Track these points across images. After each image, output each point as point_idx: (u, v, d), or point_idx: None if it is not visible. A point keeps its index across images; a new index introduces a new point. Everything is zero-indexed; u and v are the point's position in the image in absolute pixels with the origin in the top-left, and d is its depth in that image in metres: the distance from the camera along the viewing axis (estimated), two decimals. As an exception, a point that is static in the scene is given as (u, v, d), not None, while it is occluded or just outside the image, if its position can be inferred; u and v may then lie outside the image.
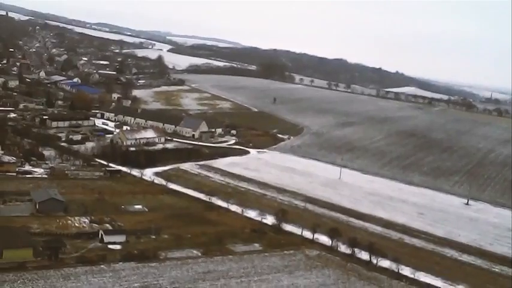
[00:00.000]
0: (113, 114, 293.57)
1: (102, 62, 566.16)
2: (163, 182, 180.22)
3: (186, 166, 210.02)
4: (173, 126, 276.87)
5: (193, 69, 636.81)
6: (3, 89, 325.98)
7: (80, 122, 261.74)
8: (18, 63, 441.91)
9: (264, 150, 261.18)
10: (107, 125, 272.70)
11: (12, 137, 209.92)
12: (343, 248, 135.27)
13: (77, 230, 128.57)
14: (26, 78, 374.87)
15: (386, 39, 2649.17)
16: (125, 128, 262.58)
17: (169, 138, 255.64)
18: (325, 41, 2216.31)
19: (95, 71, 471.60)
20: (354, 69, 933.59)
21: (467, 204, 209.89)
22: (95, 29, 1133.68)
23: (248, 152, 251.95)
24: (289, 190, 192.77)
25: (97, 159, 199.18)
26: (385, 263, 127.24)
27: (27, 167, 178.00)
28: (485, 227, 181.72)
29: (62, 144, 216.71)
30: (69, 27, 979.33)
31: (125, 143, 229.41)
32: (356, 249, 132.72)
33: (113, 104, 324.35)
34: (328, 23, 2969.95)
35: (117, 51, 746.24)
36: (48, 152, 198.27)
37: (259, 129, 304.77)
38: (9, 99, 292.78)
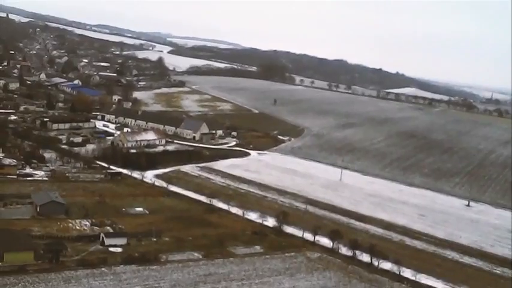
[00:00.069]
0: (113, 116, 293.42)
1: (102, 64, 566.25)
2: (164, 184, 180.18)
3: (187, 168, 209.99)
4: (174, 128, 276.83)
5: (194, 71, 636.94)
6: (4, 91, 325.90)
7: (80, 124, 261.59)
8: (18, 65, 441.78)
9: (265, 151, 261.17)
10: (107, 127, 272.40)
11: (12, 139, 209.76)
12: (344, 250, 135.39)
13: (77, 232, 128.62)
14: (27, 81, 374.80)
15: (387, 40, 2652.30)
16: (125, 130, 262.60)
17: (169, 140, 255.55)
18: (325, 41, 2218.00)
19: (95, 73, 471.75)
20: (354, 70, 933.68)
21: (468, 205, 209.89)
22: (95, 31, 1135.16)
23: (249, 154, 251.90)
24: (290, 192, 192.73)
25: (98, 162, 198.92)
26: (386, 265, 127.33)
27: (27, 170, 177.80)
28: (486, 228, 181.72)
29: (63, 146, 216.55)
30: (70, 29, 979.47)
31: (125, 145, 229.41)
32: (357, 252, 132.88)
33: (114, 106, 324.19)
34: (328, 23, 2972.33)
35: (117, 53, 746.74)
36: (48, 155, 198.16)
37: (259, 131, 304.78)
38: (9, 102, 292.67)
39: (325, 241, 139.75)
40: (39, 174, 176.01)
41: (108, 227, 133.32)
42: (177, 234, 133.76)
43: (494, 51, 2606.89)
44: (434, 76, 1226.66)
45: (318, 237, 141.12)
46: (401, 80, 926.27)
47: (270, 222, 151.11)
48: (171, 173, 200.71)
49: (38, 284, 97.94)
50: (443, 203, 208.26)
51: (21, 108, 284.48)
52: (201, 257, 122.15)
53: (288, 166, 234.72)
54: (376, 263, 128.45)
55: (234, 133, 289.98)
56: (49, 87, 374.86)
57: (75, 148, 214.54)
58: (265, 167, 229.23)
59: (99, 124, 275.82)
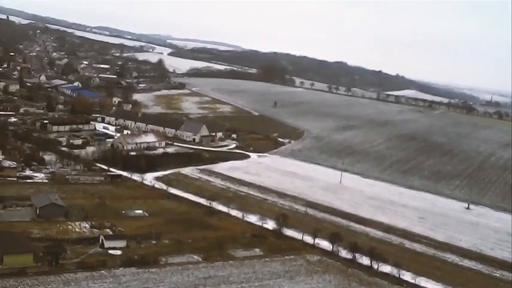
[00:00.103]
0: (113, 119, 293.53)
1: (102, 66, 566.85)
2: (164, 187, 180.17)
3: (187, 170, 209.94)
4: (174, 130, 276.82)
5: (194, 73, 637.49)
6: (4, 93, 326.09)
7: (80, 126, 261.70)
8: (18, 67, 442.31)
9: (265, 154, 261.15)
10: (107, 129, 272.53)
11: (12, 141, 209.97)
12: (344, 253, 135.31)
13: (77, 235, 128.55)
14: (27, 83, 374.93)
15: (387, 42, 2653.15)
16: (125, 132, 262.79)
17: (169, 142, 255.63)
18: (325, 43, 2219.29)
19: (95, 75, 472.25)
20: (354, 72, 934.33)
21: (467, 208, 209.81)
22: (95, 33, 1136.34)
23: (249, 156, 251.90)
24: (290, 194, 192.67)
25: (97, 164, 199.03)
26: (386, 268, 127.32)
27: (27, 172, 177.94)
28: (486, 231, 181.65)
29: (63, 148, 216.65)
30: (70, 30, 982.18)
31: (125, 148, 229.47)
32: (357, 254, 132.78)
33: (114, 108, 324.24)
34: (328, 25, 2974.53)
35: (117, 54, 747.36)
36: (48, 157, 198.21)
37: (259, 133, 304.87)
38: (9, 104, 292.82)
39: (325, 244, 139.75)
40: (39, 176, 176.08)
41: (108, 230, 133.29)
42: (176, 237, 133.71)
43: (494, 53, 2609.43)
44: (434, 78, 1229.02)
45: (317, 240, 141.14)
46: (401, 82, 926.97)
47: (270, 224, 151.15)
48: (171, 175, 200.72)
49: (38, 287, 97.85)
50: (443, 206, 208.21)
51: (21, 110, 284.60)
52: (200, 259, 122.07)
53: (288, 168, 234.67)
54: (375, 266, 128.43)
55: (234, 135, 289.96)
56: (49, 89, 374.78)
57: (75, 150, 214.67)
58: (265, 169, 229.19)
59: (99, 126, 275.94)
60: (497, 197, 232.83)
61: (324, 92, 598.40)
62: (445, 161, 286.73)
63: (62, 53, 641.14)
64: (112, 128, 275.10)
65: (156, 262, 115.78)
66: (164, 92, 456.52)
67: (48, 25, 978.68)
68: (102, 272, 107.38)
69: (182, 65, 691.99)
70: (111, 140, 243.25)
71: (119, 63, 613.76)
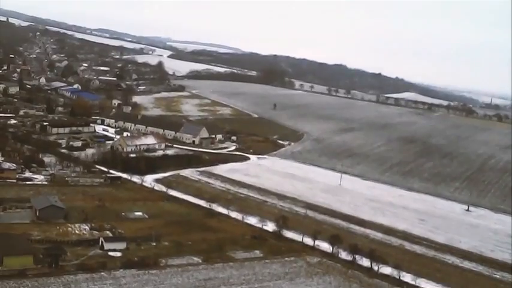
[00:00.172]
0: (113, 121, 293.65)
1: (102, 68, 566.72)
2: (164, 189, 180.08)
3: (187, 172, 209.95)
4: (173, 132, 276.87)
5: (194, 75, 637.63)
6: (4, 95, 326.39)
7: (80, 128, 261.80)
8: (18, 70, 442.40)
9: (264, 156, 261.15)
10: (107, 131, 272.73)
11: (12, 143, 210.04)
12: (344, 255, 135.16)
13: (77, 237, 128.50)
14: (27, 85, 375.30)
15: (386, 44, 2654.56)
16: (125, 134, 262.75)
17: (169, 144, 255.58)
18: (325, 46, 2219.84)
19: (95, 77, 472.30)
20: (354, 74, 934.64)
21: (467, 210, 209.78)
22: (95, 35, 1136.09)
23: (248, 158, 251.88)
24: (290, 196, 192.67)
25: (97, 166, 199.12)
26: (386, 270, 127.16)
27: (27, 174, 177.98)
28: (486, 233, 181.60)
29: (62, 150, 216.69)
30: (70, 33, 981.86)
31: (125, 150, 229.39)
32: (357, 256, 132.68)
33: (113, 110, 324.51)
34: (328, 28, 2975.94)
35: (117, 57, 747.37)
36: (48, 159, 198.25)
37: (259, 135, 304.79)
38: (9, 106, 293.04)
39: (325, 246, 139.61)
40: (39, 178, 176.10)
41: (108, 232, 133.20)
42: (176, 239, 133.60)
43: (494, 56, 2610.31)
44: (433, 81, 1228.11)
45: (317, 242, 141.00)
46: (400, 85, 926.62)
47: (270, 226, 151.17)
48: (170, 177, 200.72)
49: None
50: (443, 208, 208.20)
51: (21, 112, 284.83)
52: (200, 261, 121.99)
53: (287, 171, 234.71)
54: (376, 268, 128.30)
55: (234, 137, 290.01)
56: (49, 92, 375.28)
57: (75, 152, 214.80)
58: (265, 171, 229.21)
59: (99, 128, 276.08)
60: (497, 199, 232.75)
61: (323, 95, 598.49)
62: (445, 163, 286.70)
63: (62, 55, 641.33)
64: (112, 130, 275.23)
65: (156, 264, 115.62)
66: (164, 94, 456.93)
67: (48, 27, 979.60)
68: (102, 273, 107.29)
69: (182, 67, 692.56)
70: (110, 142, 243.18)
71: (119, 65, 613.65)
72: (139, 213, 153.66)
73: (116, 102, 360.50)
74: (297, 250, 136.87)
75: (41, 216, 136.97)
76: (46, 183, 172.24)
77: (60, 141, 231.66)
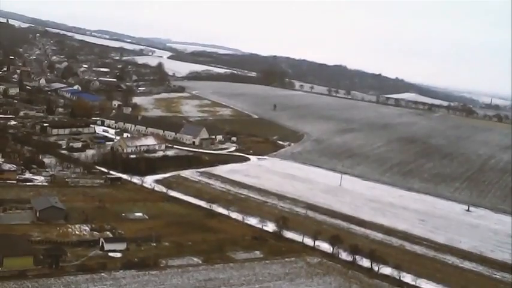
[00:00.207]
0: (113, 122, 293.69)
1: (102, 69, 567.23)
2: (164, 190, 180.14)
3: (187, 173, 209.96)
4: (173, 133, 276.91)
5: (194, 76, 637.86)
6: (4, 97, 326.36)
7: (80, 129, 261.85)
8: (18, 71, 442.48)
9: (265, 157, 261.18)
10: (107, 132, 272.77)
11: (12, 144, 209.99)
12: (344, 255, 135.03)
13: (77, 238, 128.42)
14: (27, 86, 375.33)
15: (386, 45, 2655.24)
16: (125, 135, 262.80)
17: (169, 145, 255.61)
18: (325, 47, 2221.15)
19: (95, 78, 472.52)
20: (354, 75, 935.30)
21: (468, 210, 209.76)
22: (95, 36, 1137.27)
23: (248, 159, 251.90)
24: (290, 197, 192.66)
25: (97, 167, 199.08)
26: (386, 270, 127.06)
27: (27, 175, 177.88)
28: (486, 233, 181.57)
29: (63, 151, 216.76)
30: (70, 34, 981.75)
31: (125, 150, 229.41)
32: (357, 257, 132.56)
33: (113, 111, 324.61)
34: (328, 29, 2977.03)
35: (117, 58, 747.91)
36: (48, 160, 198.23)
37: (259, 136, 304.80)
38: (9, 107, 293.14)
39: (325, 246, 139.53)
40: (39, 179, 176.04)
41: (108, 232, 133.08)
42: (176, 239, 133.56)
43: (494, 56, 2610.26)
44: (433, 81, 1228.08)
45: (318, 242, 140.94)
46: (400, 86, 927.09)
47: (270, 227, 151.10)
48: (170, 178, 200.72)
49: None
50: (443, 208, 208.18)
51: (21, 113, 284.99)
52: (200, 262, 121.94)
53: (287, 171, 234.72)
54: (376, 268, 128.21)
55: (234, 138, 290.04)
56: (49, 93, 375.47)
57: (75, 153, 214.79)
58: (265, 172, 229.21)
59: (99, 129, 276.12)
60: (497, 199, 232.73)
61: (323, 95, 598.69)
62: (445, 164, 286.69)
63: (62, 57, 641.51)
64: (112, 131, 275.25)
65: (156, 264, 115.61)
66: (164, 95, 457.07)
67: (48, 28, 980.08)
68: (102, 274, 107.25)
69: (182, 68, 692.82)
70: (111, 143, 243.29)
71: (119, 66, 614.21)
72: (140, 214, 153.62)
73: (116, 103, 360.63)
74: (297, 251, 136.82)
75: (41, 217, 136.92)
76: (46, 184, 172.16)
77: (60, 142, 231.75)
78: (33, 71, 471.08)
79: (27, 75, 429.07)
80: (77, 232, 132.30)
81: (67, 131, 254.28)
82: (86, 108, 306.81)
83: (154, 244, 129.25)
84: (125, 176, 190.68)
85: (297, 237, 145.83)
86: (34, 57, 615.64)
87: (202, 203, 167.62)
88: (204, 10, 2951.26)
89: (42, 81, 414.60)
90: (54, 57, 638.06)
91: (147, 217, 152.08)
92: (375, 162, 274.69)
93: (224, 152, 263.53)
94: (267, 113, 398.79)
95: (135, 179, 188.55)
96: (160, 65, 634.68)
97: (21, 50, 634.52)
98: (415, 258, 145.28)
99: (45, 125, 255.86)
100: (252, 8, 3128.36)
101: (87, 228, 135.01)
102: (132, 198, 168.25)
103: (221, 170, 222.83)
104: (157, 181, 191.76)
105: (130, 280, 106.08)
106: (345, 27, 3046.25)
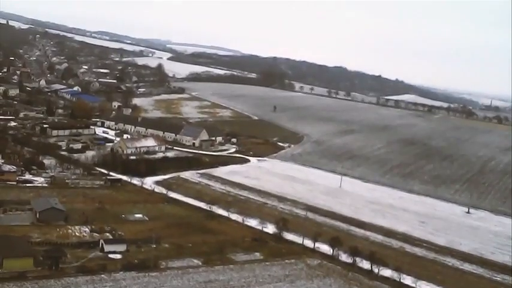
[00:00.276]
0: (113, 123, 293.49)
1: (102, 71, 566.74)
2: (164, 191, 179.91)
3: (187, 175, 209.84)
4: (173, 134, 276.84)
5: (194, 77, 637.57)
6: (4, 98, 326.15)
7: (80, 130, 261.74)
8: (18, 72, 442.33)
9: (265, 158, 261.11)
10: (107, 133, 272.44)
11: (12, 145, 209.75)
12: (344, 257, 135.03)
13: (77, 239, 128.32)
14: (27, 87, 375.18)
15: (386, 46, 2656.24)
16: (125, 136, 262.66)
17: (169, 146, 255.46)
18: (325, 48, 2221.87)
19: (95, 80, 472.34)
20: (354, 76, 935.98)
21: (468, 212, 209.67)
22: (95, 37, 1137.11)
23: (248, 161, 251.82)
24: (290, 199, 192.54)
25: (97, 168, 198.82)
26: (386, 272, 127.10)
27: (27, 176, 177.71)
28: (487, 235, 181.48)
29: (63, 153, 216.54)
30: (70, 35, 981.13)
31: (125, 152, 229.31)
32: (357, 258, 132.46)
33: (113, 112, 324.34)
34: (328, 30, 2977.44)
35: (117, 59, 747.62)
36: (48, 161, 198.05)
37: (259, 138, 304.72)
38: (9, 108, 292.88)
39: (325, 248, 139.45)
40: (39, 180, 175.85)
41: (108, 234, 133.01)
42: (176, 241, 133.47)
43: (494, 57, 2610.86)
44: (433, 83, 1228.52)
45: (318, 244, 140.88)
46: (400, 87, 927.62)
47: (270, 229, 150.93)
48: (170, 179, 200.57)
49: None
50: (443, 210, 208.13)
51: (21, 114, 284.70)
52: (200, 263, 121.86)
53: (287, 173, 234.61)
54: (376, 270, 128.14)
55: (234, 140, 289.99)
56: (49, 94, 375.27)
57: (75, 154, 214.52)
58: (265, 173, 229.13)
59: (99, 131, 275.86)
60: (498, 201, 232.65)
61: (323, 97, 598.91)
62: (445, 166, 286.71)
63: (62, 58, 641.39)
64: (112, 133, 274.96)
65: (156, 266, 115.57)
66: (164, 96, 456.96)
67: (47, 30, 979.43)
68: (102, 276, 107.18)
69: (182, 69, 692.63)
70: (110, 144, 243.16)
71: (119, 67, 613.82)
72: (140, 216, 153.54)
73: (116, 104, 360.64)
74: (297, 252, 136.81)
75: (41, 219, 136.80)
76: (46, 185, 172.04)
77: (60, 143, 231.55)
78: (33, 72, 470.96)
79: (27, 77, 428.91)
80: (76, 233, 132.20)
81: (67, 132, 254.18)
82: (85, 110, 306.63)
83: (154, 246, 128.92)
84: (124, 178, 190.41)
85: (297, 239, 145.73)
86: (34, 58, 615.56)
87: (202, 205, 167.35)
88: (204, 11, 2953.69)
89: (42, 82, 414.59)
90: (54, 58, 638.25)
91: (147, 218, 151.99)
92: (375, 163, 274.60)
93: (224, 153, 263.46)
94: (267, 115, 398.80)
95: (135, 181, 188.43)
96: (160, 66, 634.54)
97: (21, 51, 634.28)
98: (415, 260, 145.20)
99: (45, 126, 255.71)
100: (251, 9, 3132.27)
101: (87, 229, 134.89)
102: (132, 200, 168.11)
103: (221, 171, 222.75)
104: (157, 182, 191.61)
105: (131, 282, 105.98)
106: (344, 29, 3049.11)
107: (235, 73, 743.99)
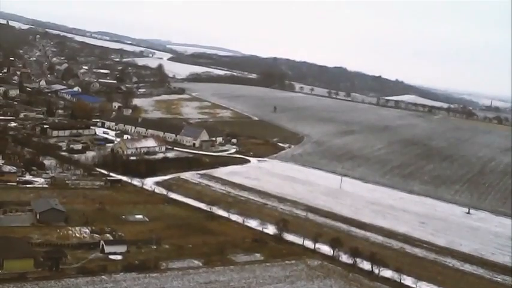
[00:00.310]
0: (113, 123, 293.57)
1: (102, 71, 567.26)
2: (164, 192, 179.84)
3: (187, 175, 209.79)
4: (174, 135, 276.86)
5: (194, 78, 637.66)
6: (4, 98, 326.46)
7: (80, 131, 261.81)
8: (18, 72, 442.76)
9: (265, 159, 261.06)
10: (107, 134, 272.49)
11: (12, 146, 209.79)
12: (344, 258, 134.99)
13: (77, 240, 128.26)
14: (27, 87, 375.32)
15: (386, 47, 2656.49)
16: (125, 137, 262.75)
17: (169, 147, 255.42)
18: (325, 49, 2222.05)
19: (95, 80, 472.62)
20: (354, 77, 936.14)
21: (468, 213, 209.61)
22: (95, 38, 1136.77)
23: (249, 161, 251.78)
24: (290, 199, 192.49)
25: (98, 169, 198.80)
26: (387, 273, 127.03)
27: (27, 177, 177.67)
28: (487, 236, 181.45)
29: (63, 153, 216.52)
30: (70, 35, 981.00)
31: (125, 152, 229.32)
32: (358, 259, 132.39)
33: (114, 113, 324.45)
34: (328, 31, 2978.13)
35: (117, 59, 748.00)
36: (48, 162, 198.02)
37: (259, 138, 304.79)
38: (9, 109, 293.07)
39: (325, 249, 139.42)
40: (39, 181, 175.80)
41: (108, 235, 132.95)
42: (177, 242, 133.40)
43: (494, 58, 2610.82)
44: (433, 83, 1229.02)
45: (318, 245, 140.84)
46: (400, 88, 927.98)
47: (270, 229, 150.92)
48: (171, 180, 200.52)
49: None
50: (443, 211, 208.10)
51: (21, 115, 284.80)
52: (201, 264, 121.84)
53: (288, 173, 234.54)
54: (376, 271, 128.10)
55: (234, 140, 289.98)
56: (49, 94, 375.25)
57: (75, 155, 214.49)
58: (265, 174, 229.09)
59: (99, 131, 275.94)
60: (498, 202, 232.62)
61: (323, 97, 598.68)
62: (445, 166, 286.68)
63: (62, 58, 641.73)
64: (112, 133, 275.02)
65: (157, 267, 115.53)
66: (164, 97, 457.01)
67: (48, 30, 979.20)
68: (103, 277, 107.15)
69: (182, 70, 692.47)
70: (111, 144, 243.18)
71: (119, 68, 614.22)
72: (140, 216, 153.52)
73: (116, 105, 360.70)
74: (297, 253, 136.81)
75: (42, 219, 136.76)
76: (46, 186, 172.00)
77: (60, 144, 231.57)
78: (33, 73, 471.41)
79: (27, 77, 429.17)
80: (77, 234, 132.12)
81: (67, 132, 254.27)
82: (86, 110, 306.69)
83: (155, 246, 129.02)
84: (125, 178, 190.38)
85: (298, 239, 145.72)
86: (34, 58, 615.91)
87: (203, 205, 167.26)
88: (204, 12, 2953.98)
89: (43, 82, 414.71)
90: (55, 58, 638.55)
91: (147, 219, 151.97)
92: (375, 164, 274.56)
93: (224, 154, 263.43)
94: (267, 115, 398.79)
95: (135, 181, 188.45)
96: (160, 67, 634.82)
97: (21, 51, 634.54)
98: (416, 261, 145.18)
99: (45, 126, 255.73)
100: (251, 9, 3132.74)
101: (87, 230, 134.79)
102: (132, 201, 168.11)
103: (221, 172, 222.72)
104: (157, 183, 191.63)
105: (131, 283, 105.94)
106: (344, 29, 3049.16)
107: (235, 73, 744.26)
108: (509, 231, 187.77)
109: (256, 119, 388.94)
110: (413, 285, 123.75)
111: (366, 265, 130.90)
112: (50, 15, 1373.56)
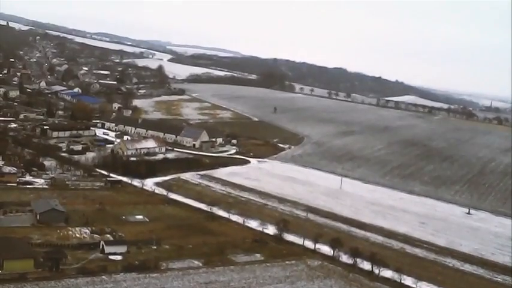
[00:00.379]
0: (113, 124, 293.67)
1: (102, 72, 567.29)
2: (164, 192, 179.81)
3: (187, 176, 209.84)
4: (174, 136, 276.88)
5: (194, 79, 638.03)
6: (4, 99, 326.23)
7: (80, 132, 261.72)
8: (18, 73, 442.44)
9: (265, 159, 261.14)
10: (107, 135, 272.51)
11: (12, 147, 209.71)
12: (344, 258, 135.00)
13: (77, 240, 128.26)
14: (27, 88, 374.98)
15: (386, 48, 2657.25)
16: (125, 138, 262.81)
17: (169, 148, 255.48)
18: (325, 49, 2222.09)
19: (95, 81, 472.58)
20: (354, 78, 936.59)
21: (468, 213, 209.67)
22: (95, 39, 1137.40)
23: (249, 162, 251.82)
24: (290, 200, 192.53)
25: (98, 170, 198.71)
26: (387, 273, 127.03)
27: (27, 178, 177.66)
28: (487, 236, 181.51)
29: (63, 154, 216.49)
30: (70, 37, 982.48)
31: (125, 153, 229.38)
32: (358, 259, 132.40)
33: (114, 113, 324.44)
34: (328, 32, 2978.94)
35: (117, 61, 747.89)
36: (48, 163, 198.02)
37: (259, 139, 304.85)
38: (9, 109, 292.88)
39: (325, 249, 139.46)
40: (39, 182, 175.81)
41: (108, 235, 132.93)
42: (177, 242, 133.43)
43: (494, 58, 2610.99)
44: (433, 84, 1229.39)
45: (318, 245, 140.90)
46: (400, 88, 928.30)
47: (271, 230, 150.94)
48: (171, 180, 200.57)
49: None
50: (443, 211, 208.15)
51: (21, 116, 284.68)
52: (201, 264, 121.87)
53: (288, 174, 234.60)
54: (377, 271, 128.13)
55: (234, 141, 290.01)
56: (49, 95, 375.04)
57: (75, 156, 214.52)
58: (265, 174, 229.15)
59: (99, 132, 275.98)
60: (498, 202, 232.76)
61: (323, 98, 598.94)
62: (446, 167, 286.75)
63: (62, 59, 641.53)
64: (112, 134, 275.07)
65: (157, 267, 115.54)
66: (164, 97, 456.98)
67: (48, 31, 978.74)
68: (103, 277, 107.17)
69: (182, 71, 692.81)
70: (111, 145, 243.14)
71: (119, 69, 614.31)
72: (140, 217, 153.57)
73: (116, 105, 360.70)
74: (297, 253, 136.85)
75: (42, 220, 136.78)
76: (46, 186, 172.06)
77: (60, 144, 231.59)
78: (33, 74, 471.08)
79: (27, 78, 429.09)
80: (77, 235, 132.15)
81: (67, 133, 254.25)
82: (86, 111, 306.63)
83: (155, 247, 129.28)
84: (125, 179, 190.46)
85: (298, 240, 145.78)
86: (34, 59, 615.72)
87: (203, 206, 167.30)
88: (204, 12, 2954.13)
89: (43, 83, 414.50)
90: (55, 59, 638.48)
91: (147, 220, 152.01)
92: (375, 165, 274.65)
93: (224, 154, 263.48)
94: (267, 116, 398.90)
95: (136, 182, 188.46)
96: (160, 68, 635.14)
97: (21, 52, 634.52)
98: (416, 261, 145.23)
99: (45, 127, 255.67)
100: (251, 10, 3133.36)
101: (87, 231, 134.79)
102: (132, 201, 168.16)
103: (221, 172, 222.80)
104: (157, 184, 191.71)
105: (131, 283, 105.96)
106: (345, 29, 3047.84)
107: (235, 74, 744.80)
108: (509, 232, 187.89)
109: (256, 119, 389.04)
110: (414, 286, 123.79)
111: (366, 265, 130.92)
112: (50, 17, 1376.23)
